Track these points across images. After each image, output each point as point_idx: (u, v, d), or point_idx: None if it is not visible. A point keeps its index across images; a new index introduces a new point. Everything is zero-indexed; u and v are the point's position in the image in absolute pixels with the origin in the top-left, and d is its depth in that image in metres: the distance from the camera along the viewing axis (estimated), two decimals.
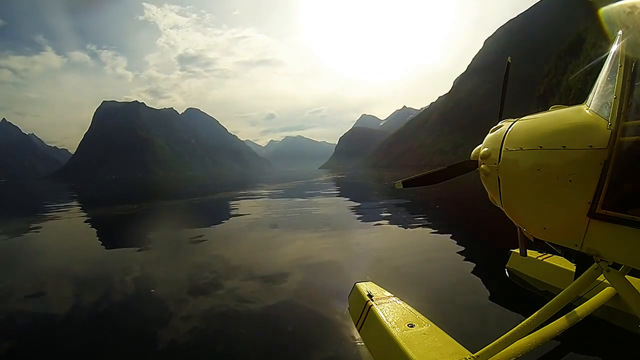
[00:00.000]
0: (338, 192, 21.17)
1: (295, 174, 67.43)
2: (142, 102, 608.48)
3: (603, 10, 1.82)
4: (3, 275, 5.31)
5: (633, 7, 1.70)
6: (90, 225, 11.02)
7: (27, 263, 6.12)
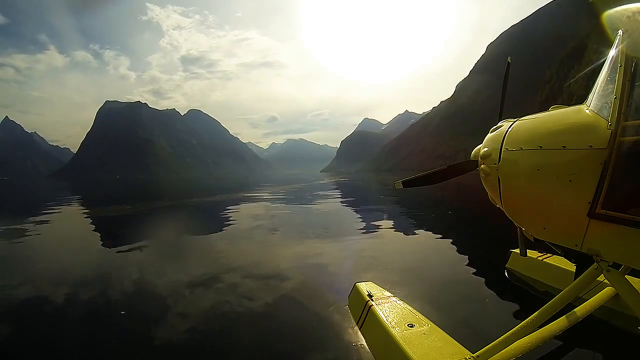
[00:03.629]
0: (340, 194, 21.14)
1: (297, 177, 67.23)
2: (145, 103, 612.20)
3: (606, 14, 1.84)
4: None
5: (634, 10, 1.73)
6: (92, 228, 11.02)
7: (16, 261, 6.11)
